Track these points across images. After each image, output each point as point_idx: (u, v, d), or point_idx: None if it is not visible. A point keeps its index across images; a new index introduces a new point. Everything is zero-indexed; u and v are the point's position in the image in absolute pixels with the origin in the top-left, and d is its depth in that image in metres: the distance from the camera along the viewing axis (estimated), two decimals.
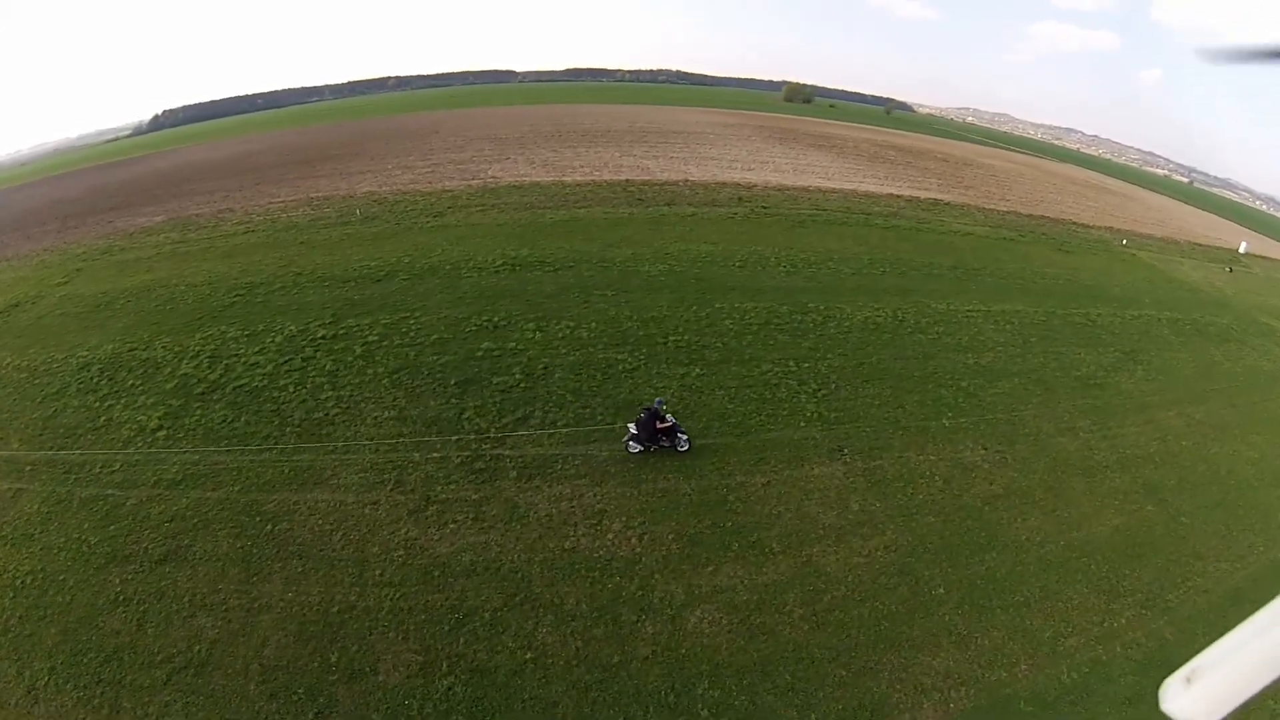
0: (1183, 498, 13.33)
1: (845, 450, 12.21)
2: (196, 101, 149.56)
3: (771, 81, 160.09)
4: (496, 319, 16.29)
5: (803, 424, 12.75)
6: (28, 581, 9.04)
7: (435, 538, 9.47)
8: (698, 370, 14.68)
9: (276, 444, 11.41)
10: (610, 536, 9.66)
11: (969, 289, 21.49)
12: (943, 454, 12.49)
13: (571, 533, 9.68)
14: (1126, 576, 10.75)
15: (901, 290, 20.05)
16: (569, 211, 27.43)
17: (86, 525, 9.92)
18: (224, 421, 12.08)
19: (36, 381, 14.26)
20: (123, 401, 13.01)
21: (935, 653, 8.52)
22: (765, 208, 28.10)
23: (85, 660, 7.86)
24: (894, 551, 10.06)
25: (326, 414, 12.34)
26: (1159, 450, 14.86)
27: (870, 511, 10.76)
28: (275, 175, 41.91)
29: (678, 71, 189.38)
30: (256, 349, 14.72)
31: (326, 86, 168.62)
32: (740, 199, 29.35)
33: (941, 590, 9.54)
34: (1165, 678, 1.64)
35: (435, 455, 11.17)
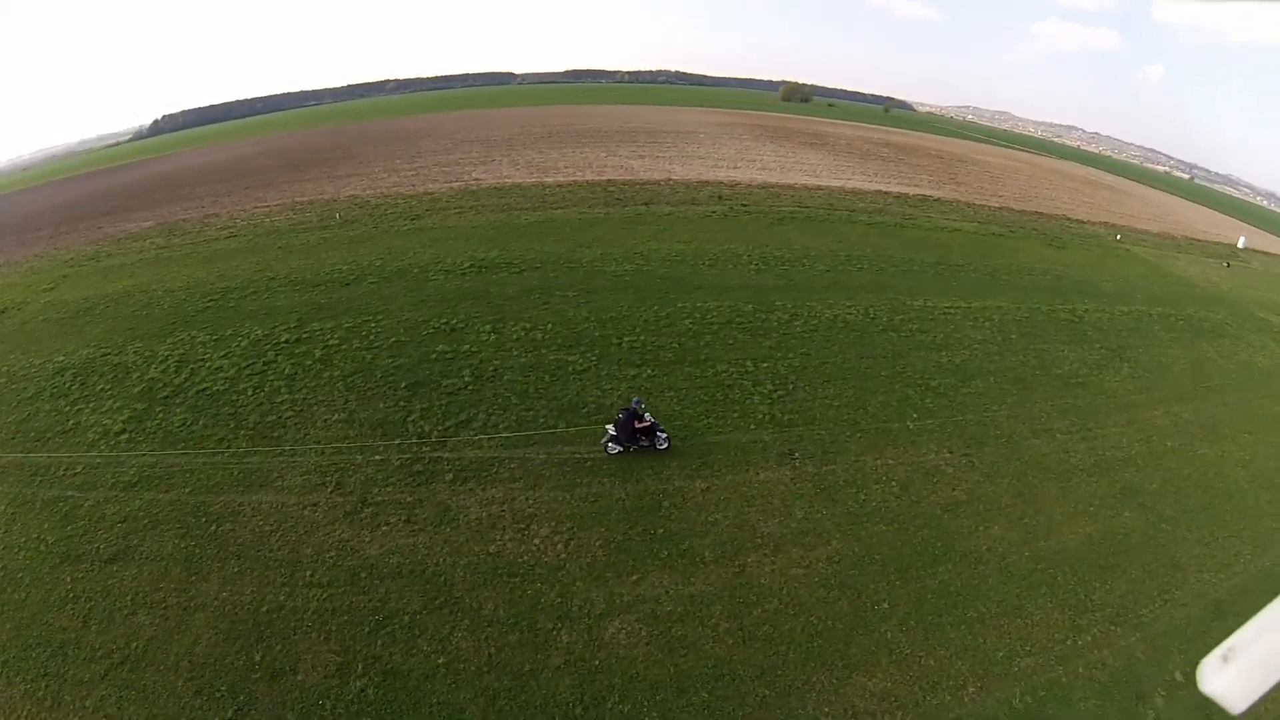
0: (1164, 503, 12.55)
1: (796, 454, 11.61)
2: (197, 106, 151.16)
3: (771, 81, 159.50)
4: (455, 321, 16.16)
5: (753, 427, 12.15)
6: None
7: (367, 539, 9.42)
8: (649, 371, 14.18)
9: (229, 446, 11.48)
10: (537, 542, 9.48)
11: (950, 285, 20.77)
12: (903, 458, 11.81)
13: (498, 537, 9.53)
14: (1096, 589, 10.00)
15: (877, 287, 19.38)
16: (545, 212, 27.07)
17: (46, 525, 10.15)
18: (183, 425, 12.15)
19: (14, 386, 14.49)
20: (91, 405, 13.13)
21: (872, 673, 7.91)
22: (745, 206, 27.52)
23: (34, 655, 8.10)
24: (837, 563, 9.45)
25: (280, 417, 12.32)
26: (1141, 452, 14.08)
27: (816, 520, 10.16)
28: (265, 179, 41.93)
29: (676, 72, 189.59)
30: (222, 353, 14.75)
31: (327, 90, 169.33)
32: (720, 197, 28.79)
33: (886, 605, 8.90)
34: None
35: (377, 458, 11.12)
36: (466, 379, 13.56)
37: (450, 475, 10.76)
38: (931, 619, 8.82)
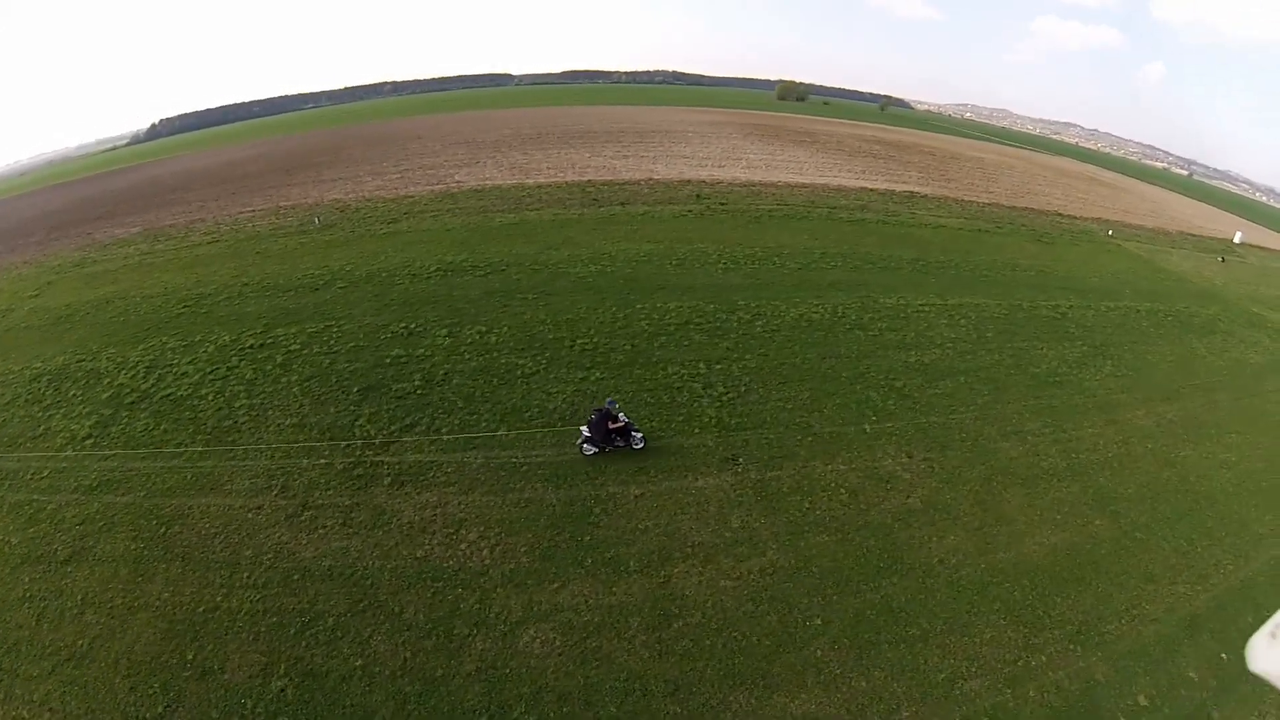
0: (1140, 509, 11.85)
1: (740, 459, 11.05)
2: (194, 110, 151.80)
3: (769, 81, 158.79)
4: (413, 325, 15.98)
5: (697, 431, 11.59)
6: None
7: (304, 542, 9.48)
8: (598, 374, 13.70)
9: (186, 450, 11.58)
10: (464, 546, 9.38)
11: (927, 282, 20.10)
12: (856, 463, 11.18)
13: (427, 541, 9.46)
14: (1057, 604, 9.31)
15: (849, 285, 18.76)
16: (519, 214, 26.72)
17: (10, 527, 10.29)
18: (145, 429, 12.26)
19: None
20: (62, 411, 13.21)
21: (795, 693, 7.33)
22: (723, 204, 26.98)
23: None
24: (770, 575, 8.89)
25: (236, 421, 12.36)
26: (1119, 454, 13.37)
27: (752, 529, 9.61)
28: (253, 184, 41.88)
29: (673, 72, 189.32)
30: (189, 359, 14.80)
31: (324, 92, 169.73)
32: (699, 196, 28.26)
33: (819, 621, 8.32)
34: None
35: (322, 461, 11.13)
36: (416, 383, 13.44)
37: (389, 479, 10.68)
38: (868, 636, 8.22)
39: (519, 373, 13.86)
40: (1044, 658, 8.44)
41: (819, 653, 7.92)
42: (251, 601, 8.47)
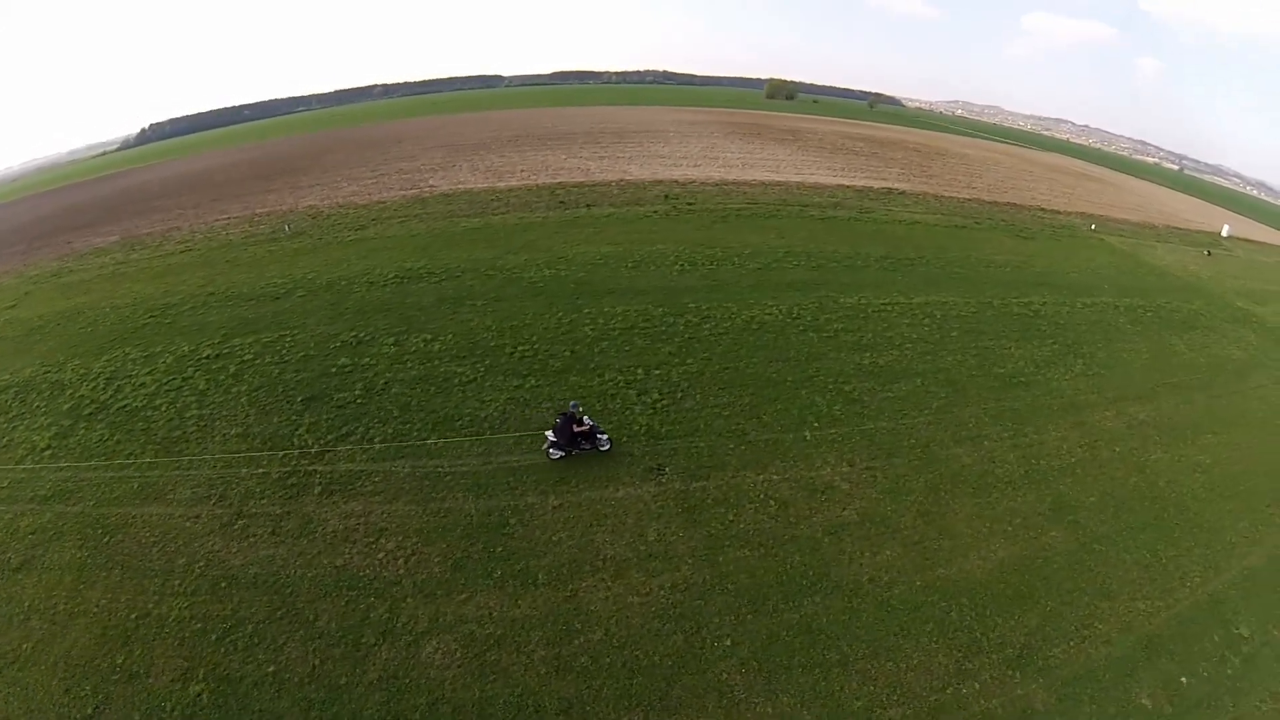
0: (1101, 518, 11.12)
1: (665, 469, 10.47)
2: (185, 114, 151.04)
3: (761, 81, 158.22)
4: (362, 334, 15.67)
5: (625, 439, 11.02)
6: None
7: (234, 550, 9.55)
8: (533, 381, 13.14)
9: (135, 461, 11.60)
10: (381, 555, 9.31)
11: (892, 280, 19.40)
12: (790, 472, 10.51)
13: (348, 550, 9.43)
14: (998, 625, 8.60)
15: (809, 284, 18.07)
16: (484, 219, 26.19)
17: None
18: (100, 440, 12.25)
19: None
20: (25, 422, 13.23)
21: (694, 717, 6.88)
22: (691, 205, 26.32)
23: None
24: (682, 591, 8.44)
25: (185, 432, 12.34)
26: (1083, 459, 12.64)
27: (669, 542, 9.11)
28: (232, 191, 41.45)
29: (664, 72, 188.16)
30: (148, 370, 14.72)
31: (315, 96, 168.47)
32: (667, 196, 27.63)
33: (729, 641, 7.84)
34: None
35: (260, 471, 11.15)
36: (357, 392, 13.25)
37: (319, 488, 10.61)
38: (781, 659, 7.66)
39: (456, 381, 13.51)
40: (977, 685, 7.74)
41: (725, 675, 7.49)
42: (180, 608, 8.61)
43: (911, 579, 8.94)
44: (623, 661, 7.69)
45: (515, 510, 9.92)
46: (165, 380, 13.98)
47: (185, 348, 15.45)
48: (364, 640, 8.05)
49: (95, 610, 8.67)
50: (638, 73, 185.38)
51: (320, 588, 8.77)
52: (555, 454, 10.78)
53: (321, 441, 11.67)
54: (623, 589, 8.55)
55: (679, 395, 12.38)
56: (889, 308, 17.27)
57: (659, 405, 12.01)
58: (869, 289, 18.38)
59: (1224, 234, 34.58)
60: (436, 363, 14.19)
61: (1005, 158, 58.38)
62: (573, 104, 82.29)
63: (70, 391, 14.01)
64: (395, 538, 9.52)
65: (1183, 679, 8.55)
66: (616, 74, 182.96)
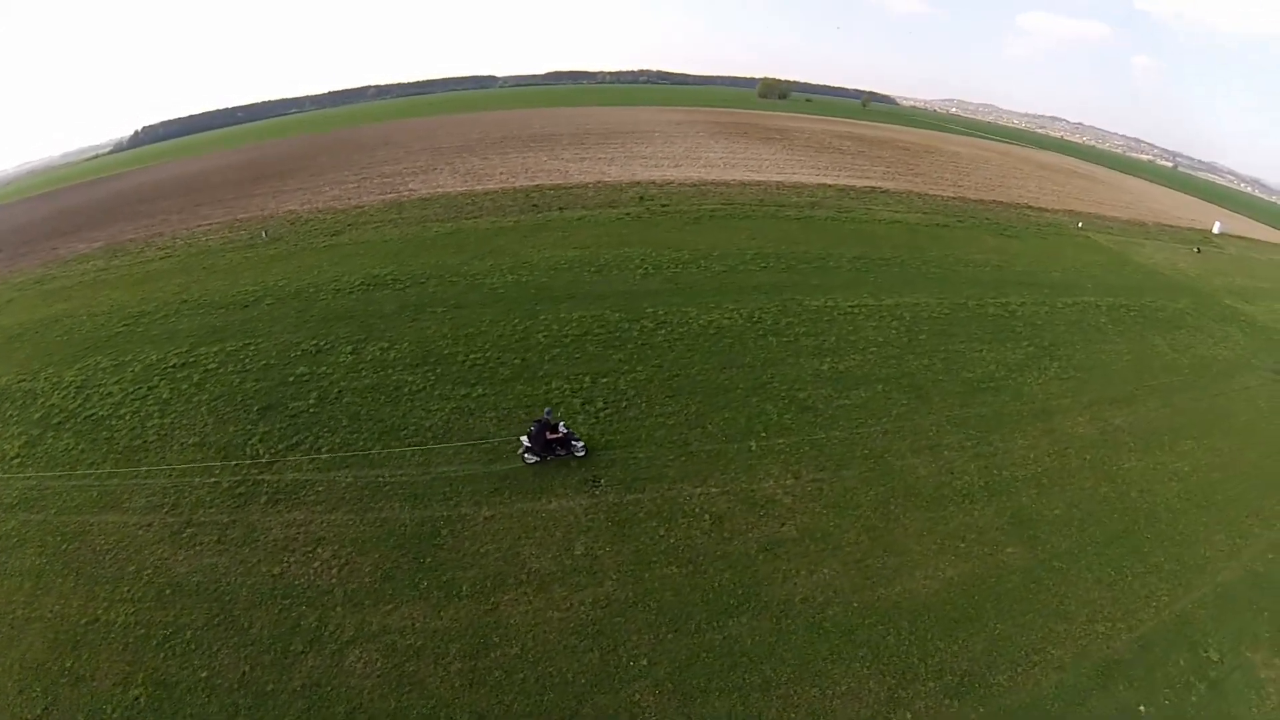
0: (1064, 533, 10.54)
1: (601, 481, 10.12)
2: (178, 116, 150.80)
3: (756, 80, 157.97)
4: (322, 343, 15.48)
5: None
6: None
7: (181, 558, 9.72)
8: (480, 390, 12.72)
9: (97, 469, 11.76)
10: (317, 565, 9.42)
11: (864, 281, 18.85)
12: (731, 485, 10.01)
13: (286, 558, 9.55)
14: (939, 650, 8.05)
15: (775, 287, 17.53)
16: (456, 224, 25.83)
17: None
18: (66, 449, 12.39)
19: None
20: None
21: None
22: (665, 206, 25.83)
23: None
24: (603, 608, 8.23)
25: (145, 441, 12.41)
26: (1050, 469, 12.06)
27: (595, 557, 8.86)
28: (216, 195, 41.22)
29: (658, 72, 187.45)
30: (116, 379, 14.67)
31: (308, 97, 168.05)
32: (642, 198, 27.15)
33: (645, 661, 7.57)
34: None
35: (212, 480, 11.29)
36: (311, 401, 13.14)
37: (265, 497, 10.73)
38: (699, 681, 7.29)
39: (406, 390, 13.26)
40: (909, 714, 7.21)
41: (638, 696, 7.24)
42: (126, 614, 8.83)
43: (849, 599, 8.41)
44: (536, 677, 7.63)
45: (448, 521, 9.82)
46: (131, 389, 14.01)
47: (154, 356, 15.46)
48: (292, 648, 8.21)
49: (50, 616, 8.94)
50: (632, 73, 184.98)
51: (257, 595, 8.95)
52: (530, 459, 10.77)
53: (272, 451, 11.72)
54: (544, 603, 8.43)
55: (624, 404, 11.91)
56: (856, 310, 16.72)
57: (602, 415, 11.57)
58: (838, 290, 17.84)
59: (1216, 230, 33.88)
60: (390, 371, 13.97)
61: (996, 156, 57.66)
62: (562, 105, 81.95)
63: (41, 400, 14.11)
64: (332, 546, 9.61)
65: (1140, 708, 7.99)
66: (611, 74, 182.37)
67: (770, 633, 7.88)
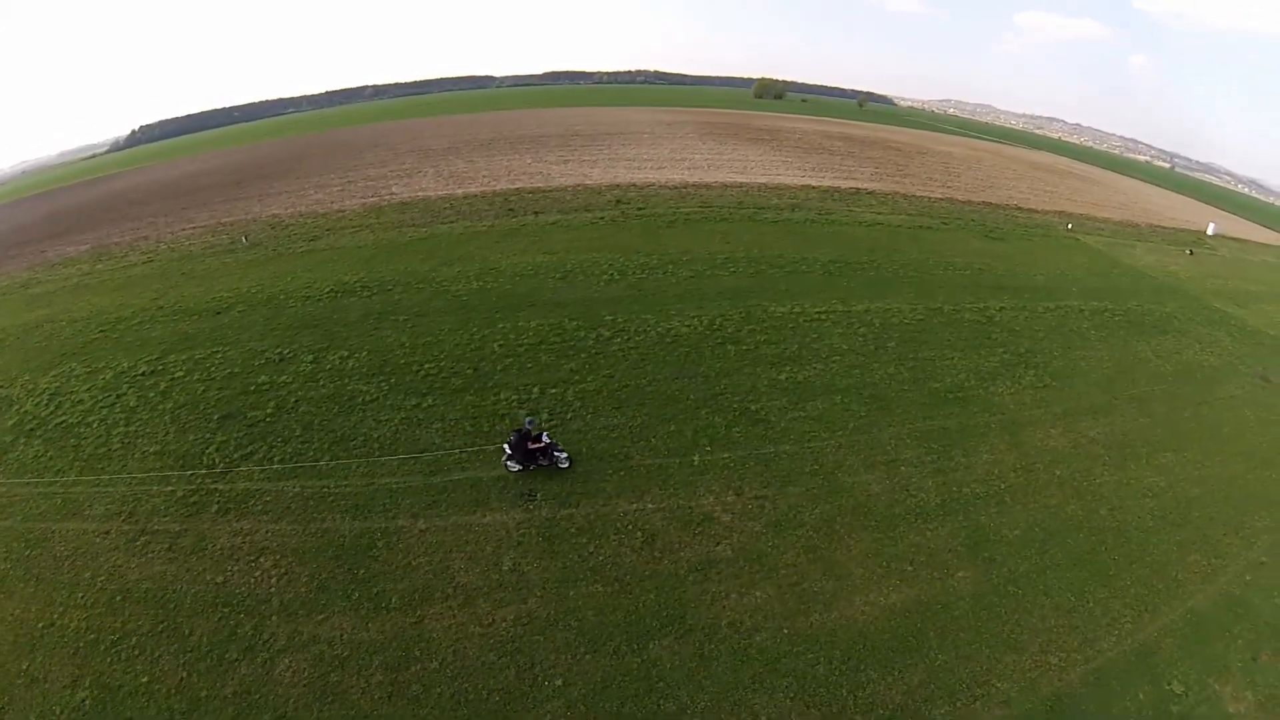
0: (1023, 555, 10.01)
1: (537, 495, 9.84)
2: (175, 116, 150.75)
3: (754, 80, 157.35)
4: (285, 351, 15.40)
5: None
6: None
7: (133, 566, 9.82)
8: (429, 401, 12.46)
9: (63, 477, 11.82)
10: (258, 574, 9.51)
11: (835, 286, 18.37)
12: (668, 501, 9.63)
13: (230, 567, 9.65)
14: (872, 682, 7.58)
15: (741, 292, 17.08)
16: (431, 229, 25.59)
17: None
18: (35, 457, 12.43)
19: None
20: None
21: None
22: (641, 210, 25.41)
23: None
24: (524, 625, 8.17)
25: (110, 449, 12.40)
26: (1015, 485, 11.51)
27: (523, 573, 8.76)
28: (204, 198, 41.16)
29: (655, 72, 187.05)
30: (87, 387, 14.68)
31: (305, 97, 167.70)
32: (619, 201, 26.76)
33: (560, 681, 7.43)
34: None
35: (169, 489, 11.33)
36: (269, 411, 13.10)
37: (216, 507, 10.79)
38: (612, 705, 7.06)
39: (360, 400, 13.13)
40: None
41: (550, 717, 7.14)
42: (79, 620, 8.98)
43: (779, 625, 7.98)
44: (453, 692, 7.59)
45: (385, 533, 9.80)
46: (101, 397, 13.98)
47: (125, 363, 15.39)
48: (228, 655, 8.33)
49: (10, 619, 9.11)
50: (629, 73, 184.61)
51: (200, 603, 9.08)
52: (513, 468, 10.68)
53: (227, 460, 11.78)
54: (467, 618, 8.38)
55: (569, 416, 11.55)
56: (823, 316, 16.24)
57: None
58: (807, 296, 17.36)
59: (1209, 232, 33.13)
60: (346, 381, 13.82)
61: (989, 156, 56.89)
62: (557, 105, 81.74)
63: (16, 407, 14.15)
64: (274, 556, 9.70)
65: None
66: (607, 74, 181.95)
67: (692, 657, 7.56)
